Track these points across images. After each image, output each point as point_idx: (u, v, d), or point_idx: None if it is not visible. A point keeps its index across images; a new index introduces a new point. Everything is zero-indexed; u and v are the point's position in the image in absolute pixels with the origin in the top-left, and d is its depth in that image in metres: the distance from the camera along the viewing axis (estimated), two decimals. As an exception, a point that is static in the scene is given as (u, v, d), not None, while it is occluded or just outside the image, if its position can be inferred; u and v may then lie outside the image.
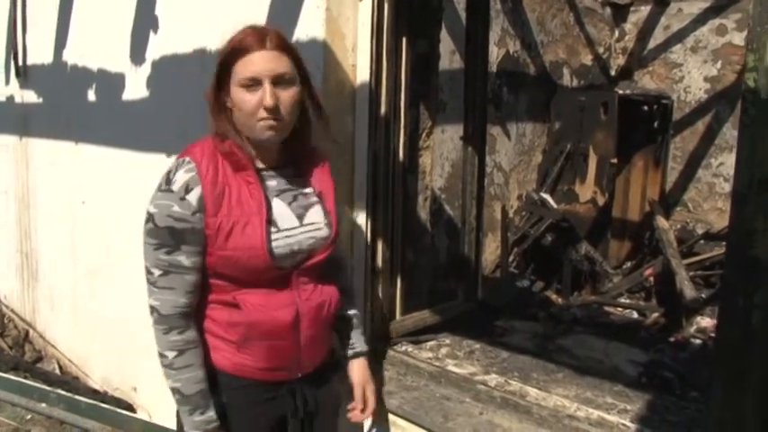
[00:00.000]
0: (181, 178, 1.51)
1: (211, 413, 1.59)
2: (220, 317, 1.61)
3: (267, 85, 1.50)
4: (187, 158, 1.55)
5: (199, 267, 1.56)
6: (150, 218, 1.52)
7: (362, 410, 1.86)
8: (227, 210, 1.52)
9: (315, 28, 2.19)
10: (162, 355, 1.57)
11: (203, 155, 1.55)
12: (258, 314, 1.58)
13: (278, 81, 1.52)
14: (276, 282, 1.60)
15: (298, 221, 1.63)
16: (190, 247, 1.53)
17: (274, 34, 1.55)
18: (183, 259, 1.53)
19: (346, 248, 2.26)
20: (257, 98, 1.51)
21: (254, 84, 1.51)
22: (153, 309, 1.56)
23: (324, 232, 1.66)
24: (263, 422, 1.68)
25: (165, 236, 1.51)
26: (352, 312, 1.90)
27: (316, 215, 1.67)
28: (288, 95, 1.54)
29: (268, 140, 1.57)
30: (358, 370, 1.88)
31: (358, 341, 1.90)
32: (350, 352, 1.88)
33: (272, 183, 1.63)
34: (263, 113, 1.51)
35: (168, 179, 1.53)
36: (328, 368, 1.82)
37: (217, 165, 1.55)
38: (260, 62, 1.50)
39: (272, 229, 1.57)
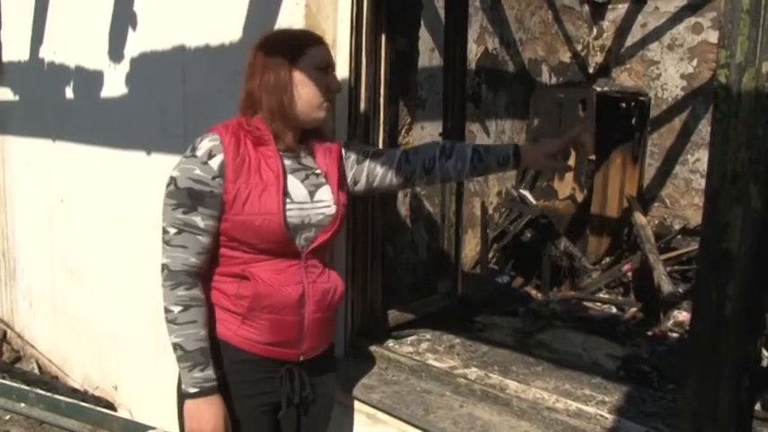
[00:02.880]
0: (205, 146, 1.64)
1: (210, 371, 1.64)
2: (229, 289, 1.69)
3: (334, 73, 1.78)
4: (212, 132, 1.68)
5: (212, 231, 1.65)
6: (172, 181, 1.63)
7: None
8: (246, 177, 1.64)
9: (294, 25, 2.19)
10: (167, 310, 1.64)
11: (227, 130, 1.68)
12: (265, 287, 1.66)
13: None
14: (287, 257, 1.70)
15: (309, 197, 1.73)
16: (206, 210, 1.62)
17: None
18: (198, 220, 1.63)
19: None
20: (326, 81, 1.73)
21: (326, 68, 1.74)
22: (164, 266, 1.65)
23: (332, 209, 1.76)
24: (259, 401, 1.73)
25: (183, 197, 1.62)
26: (443, 145, 1.88)
27: (325, 194, 1.77)
28: None
29: (321, 121, 1.77)
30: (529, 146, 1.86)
31: (496, 146, 1.87)
32: (502, 156, 1.82)
33: (288, 162, 1.75)
34: (329, 95, 1.75)
35: (193, 147, 1.65)
36: (329, 361, 1.90)
37: (239, 139, 1.67)
38: (328, 54, 1.77)
39: (287, 200, 1.67)
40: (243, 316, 1.68)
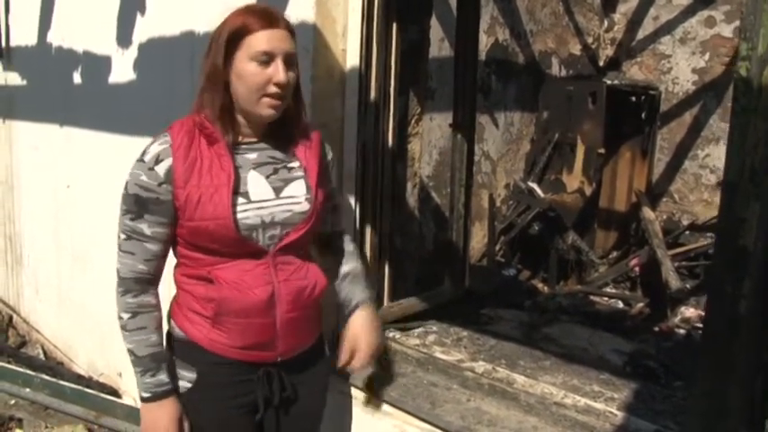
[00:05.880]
0: (153, 150, 1.57)
1: (162, 376, 1.63)
2: (197, 292, 1.63)
3: (280, 62, 1.54)
4: (165, 132, 1.60)
5: (160, 238, 1.60)
6: (125, 185, 1.58)
7: (346, 363, 1.81)
8: (197, 181, 1.55)
9: (305, 11, 2.17)
10: (119, 317, 1.63)
11: (181, 129, 1.59)
12: (231, 291, 1.58)
13: (287, 61, 1.56)
14: (252, 257, 1.60)
15: (274, 194, 1.63)
16: (152, 217, 1.57)
17: (283, 16, 1.59)
18: (145, 228, 1.58)
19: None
20: (268, 73, 1.54)
21: (267, 59, 1.54)
22: (117, 271, 1.62)
23: (303, 206, 1.65)
24: (235, 404, 1.67)
25: (131, 203, 1.57)
26: (347, 269, 1.87)
27: (297, 189, 1.66)
28: (292, 76, 1.58)
29: (267, 117, 1.59)
30: (352, 323, 1.83)
31: (355, 294, 1.85)
32: (346, 311, 1.85)
33: (252, 156, 1.63)
34: (272, 89, 1.55)
35: (144, 151, 1.58)
36: (315, 357, 1.80)
37: (192, 138, 1.58)
38: (276, 39, 1.54)
39: (241, 200, 1.57)
40: (212, 320, 1.61)
